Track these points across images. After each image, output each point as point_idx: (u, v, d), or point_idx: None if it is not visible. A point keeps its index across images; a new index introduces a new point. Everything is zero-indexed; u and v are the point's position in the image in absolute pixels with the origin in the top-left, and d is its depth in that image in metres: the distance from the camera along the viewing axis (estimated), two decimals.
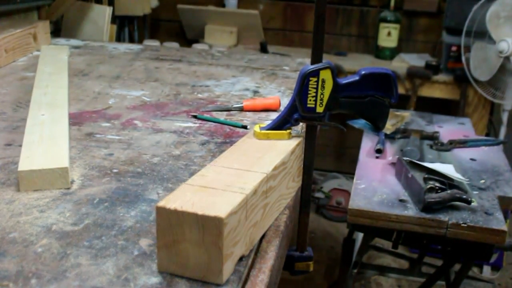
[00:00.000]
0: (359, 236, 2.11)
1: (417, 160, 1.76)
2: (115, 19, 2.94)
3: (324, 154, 3.94)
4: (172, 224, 0.71)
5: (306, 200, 1.06)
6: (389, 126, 2.16)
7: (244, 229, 0.77)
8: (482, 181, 1.75)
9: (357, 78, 0.96)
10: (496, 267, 2.96)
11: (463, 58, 2.98)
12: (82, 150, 1.14)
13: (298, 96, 0.95)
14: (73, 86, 1.59)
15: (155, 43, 3.08)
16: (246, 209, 0.77)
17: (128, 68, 1.87)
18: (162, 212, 0.72)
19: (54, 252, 0.77)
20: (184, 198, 0.73)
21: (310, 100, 0.95)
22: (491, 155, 2.01)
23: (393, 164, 1.85)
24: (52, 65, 1.70)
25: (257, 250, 0.83)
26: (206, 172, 0.84)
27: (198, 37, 3.68)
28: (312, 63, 0.95)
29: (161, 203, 0.72)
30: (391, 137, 2.14)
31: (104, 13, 2.56)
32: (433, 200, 1.53)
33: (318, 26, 0.93)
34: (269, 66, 2.01)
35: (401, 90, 3.10)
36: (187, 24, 3.73)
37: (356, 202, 1.60)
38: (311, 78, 0.94)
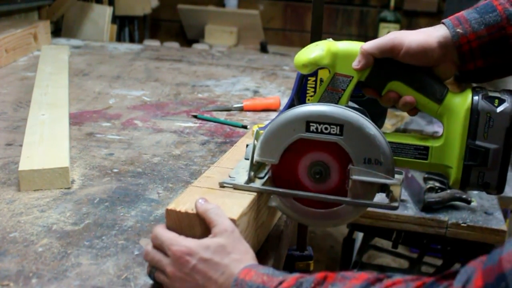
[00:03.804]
0: (359, 236, 2.11)
1: None
2: (115, 19, 2.94)
3: None
4: (182, 226, 0.71)
5: None
6: (389, 126, 2.16)
7: (252, 230, 0.77)
8: None
9: None
10: None
11: None
12: (82, 150, 1.14)
13: (297, 95, 0.95)
14: (73, 86, 1.59)
15: (155, 43, 3.09)
16: (254, 210, 0.77)
17: (128, 68, 1.87)
18: (172, 215, 0.72)
19: (54, 251, 0.77)
20: (194, 201, 0.73)
21: (308, 100, 0.95)
22: None
23: None
24: (53, 65, 1.70)
25: (258, 250, 0.83)
26: (210, 174, 0.84)
27: (198, 37, 3.68)
28: None
29: (171, 206, 0.72)
30: None
31: (104, 13, 2.56)
32: (433, 199, 1.53)
33: (316, 26, 0.94)
34: (269, 66, 2.01)
35: None
36: (187, 24, 3.73)
37: None
38: (309, 78, 0.94)
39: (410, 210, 1.56)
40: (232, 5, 3.68)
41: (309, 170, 0.77)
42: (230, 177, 0.81)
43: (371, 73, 0.76)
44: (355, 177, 0.73)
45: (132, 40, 3.32)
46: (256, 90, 1.67)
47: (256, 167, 0.81)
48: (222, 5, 3.74)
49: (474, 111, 0.71)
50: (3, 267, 0.73)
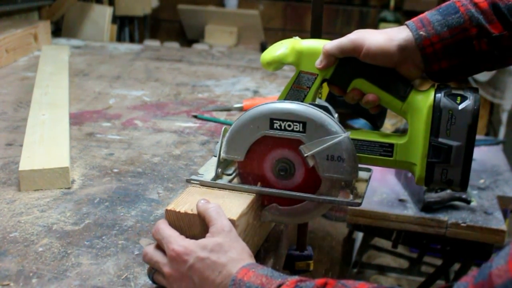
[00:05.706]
0: (359, 236, 2.11)
1: None
2: (115, 19, 2.94)
3: None
4: (182, 226, 0.72)
5: None
6: (389, 126, 2.16)
7: (252, 230, 0.77)
8: (482, 180, 1.76)
9: None
10: None
11: None
12: (82, 150, 1.14)
13: None
14: (73, 86, 1.60)
15: (155, 43, 3.09)
16: (254, 210, 0.77)
17: (128, 68, 1.87)
18: (172, 215, 0.72)
19: (54, 251, 0.77)
20: (194, 201, 0.73)
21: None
22: (490, 155, 2.01)
23: None
24: (53, 65, 1.70)
25: (257, 250, 0.84)
26: None
27: (198, 37, 3.69)
28: None
29: (170, 206, 0.72)
30: None
31: (104, 13, 2.56)
32: (432, 199, 1.53)
33: (316, 26, 0.94)
34: None
35: None
36: (187, 24, 3.73)
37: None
38: None
39: (410, 210, 1.56)
40: (232, 5, 3.68)
41: (274, 167, 0.78)
42: (199, 174, 0.82)
43: (335, 71, 0.77)
44: (308, 153, 0.74)
45: (132, 40, 3.32)
46: (256, 90, 1.67)
47: (224, 164, 0.82)
48: (222, 5, 3.74)
49: (436, 108, 0.71)
50: (4, 267, 0.73)
